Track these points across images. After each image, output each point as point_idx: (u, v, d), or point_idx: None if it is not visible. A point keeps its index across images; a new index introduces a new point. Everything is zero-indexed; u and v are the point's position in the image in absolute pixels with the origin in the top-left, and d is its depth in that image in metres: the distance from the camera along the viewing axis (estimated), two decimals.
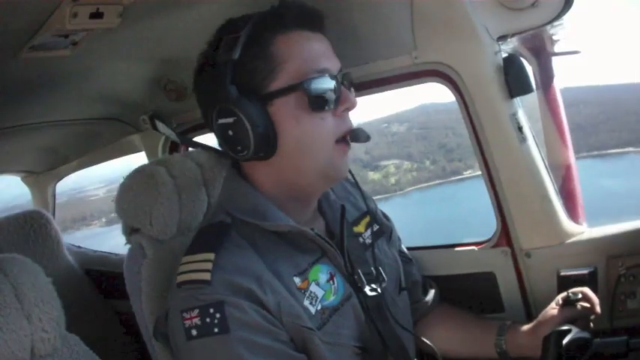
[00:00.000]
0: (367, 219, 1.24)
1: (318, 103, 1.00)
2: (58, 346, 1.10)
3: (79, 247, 2.33)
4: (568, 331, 1.00)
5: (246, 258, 0.99)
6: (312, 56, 1.02)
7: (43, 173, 2.41)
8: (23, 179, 2.48)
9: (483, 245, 1.38)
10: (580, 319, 1.11)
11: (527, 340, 1.15)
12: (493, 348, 1.20)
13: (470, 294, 1.36)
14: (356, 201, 1.26)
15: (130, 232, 1.30)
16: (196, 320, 0.92)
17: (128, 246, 1.30)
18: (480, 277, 1.38)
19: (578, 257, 1.26)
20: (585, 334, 1.01)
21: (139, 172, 1.30)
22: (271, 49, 1.01)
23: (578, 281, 1.21)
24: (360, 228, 1.21)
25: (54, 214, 2.42)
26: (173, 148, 1.89)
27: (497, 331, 1.20)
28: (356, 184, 1.23)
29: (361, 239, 1.19)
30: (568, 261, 1.26)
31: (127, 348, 2.00)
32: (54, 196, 2.49)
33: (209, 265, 0.96)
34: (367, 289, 1.09)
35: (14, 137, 1.86)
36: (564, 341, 0.99)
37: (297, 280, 1.01)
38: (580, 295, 1.11)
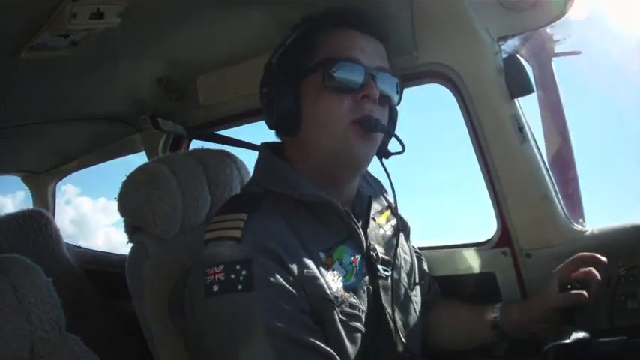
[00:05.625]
0: (388, 213, 1.28)
1: (335, 84, 1.05)
2: (58, 346, 1.10)
3: (79, 247, 2.33)
4: (566, 345, 0.99)
5: (277, 226, 1.01)
6: (347, 46, 1.08)
7: (43, 173, 2.41)
8: (23, 179, 2.48)
9: (483, 245, 1.38)
10: (577, 308, 1.11)
11: (521, 317, 1.18)
12: (490, 330, 1.22)
13: (470, 294, 1.36)
14: (378, 196, 1.30)
15: (132, 230, 1.29)
16: (220, 276, 0.92)
17: (130, 245, 1.30)
18: (479, 277, 1.38)
19: None
20: (583, 334, 1.00)
21: (142, 170, 1.30)
22: (315, 39, 1.10)
23: (579, 281, 1.21)
24: (381, 220, 1.24)
25: (54, 214, 2.42)
26: (174, 148, 1.89)
27: (492, 309, 1.23)
28: (375, 182, 1.28)
29: (382, 230, 1.22)
30: None
31: (127, 348, 2.00)
32: (54, 196, 2.48)
33: (240, 224, 0.98)
34: (381, 267, 1.12)
35: (14, 137, 1.86)
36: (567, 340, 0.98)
37: (322, 255, 1.04)
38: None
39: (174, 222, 1.25)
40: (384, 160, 1.18)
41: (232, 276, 0.91)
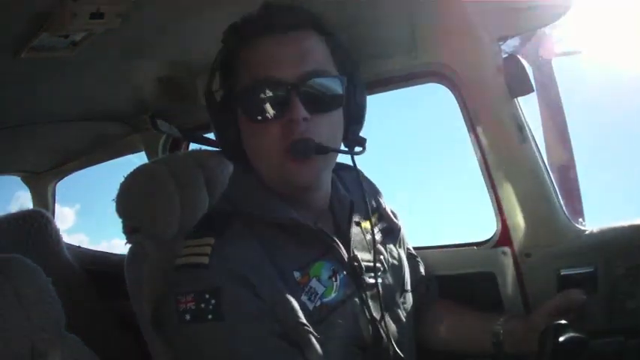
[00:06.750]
0: (375, 216, 1.24)
1: (250, 113, 0.99)
2: (58, 346, 1.10)
3: (79, 247, 2.33)
4: (565, 326, 0.99)
5: (247, 247, 0.97)
6: (261, 63, 0.98)
7: (43, 173, 2.41)
8: (23, 179, 2.48)
9: (483, 245, 1.38)
10: (576, 313, 1.10)
11: (521, 331, 1.14)
12: (489, 339, 1.17)
13: (470, 294, 1.35)
14: (365, 197, 1.23)
15: (130, 231, 1.29)
16: (191, 305, 0.91)
17: (128, 246, 1.30)
18: (480, 277, 1.38)
19: (578, 257, 1.25)
20: (581, 335, 1.00)
21: (140, 171, 1.30)
22: (235, 59, 1.03)
23: (578, 281, 1.21)
24: (367, 225, 1.19)
25: (54, 214, 2.42)
26: (173, 148, 1.89)
27: (495, 320, 1.19)
28: (365, 182, 1.24)
29: (369, 236, 1.17)
30: (568, 261, 1.26)
31: (127, 348, 2.00)
32: (54, 196, 2.49)
33: (208, 250, 0.95)
34: (366, 277, 1.08)
35: (14, 137, 1.86)
36: (561, 338, 0.99)
37: (297, 274, 1.00)
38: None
39: (173, 223, 1.25)
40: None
41: (202, 305, 0.90)
